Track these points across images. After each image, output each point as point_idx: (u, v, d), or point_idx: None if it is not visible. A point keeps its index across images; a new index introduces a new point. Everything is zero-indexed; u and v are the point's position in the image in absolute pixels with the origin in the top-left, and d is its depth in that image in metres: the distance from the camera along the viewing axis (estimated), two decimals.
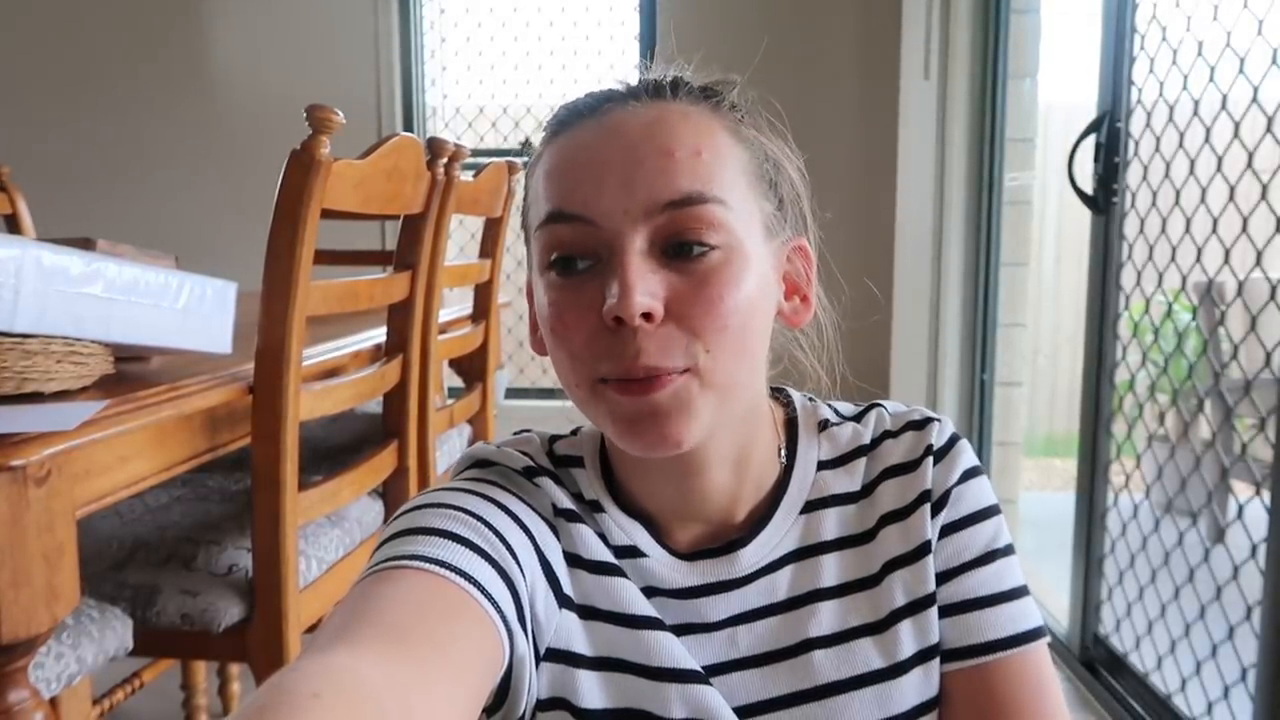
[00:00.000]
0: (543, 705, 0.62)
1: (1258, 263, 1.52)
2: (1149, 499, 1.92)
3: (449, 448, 1.90)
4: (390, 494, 1.56)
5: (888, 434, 0.67)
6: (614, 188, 0.56)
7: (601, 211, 0.57)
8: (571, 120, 0.61)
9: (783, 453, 0.67)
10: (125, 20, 3.33)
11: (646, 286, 0.55)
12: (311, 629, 1.29)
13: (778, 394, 0.71)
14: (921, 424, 0.67)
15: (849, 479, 0.67)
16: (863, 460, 0.67)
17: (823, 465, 0.67)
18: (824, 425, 0.69)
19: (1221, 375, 1.83)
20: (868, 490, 0.66)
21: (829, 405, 0.71)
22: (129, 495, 1.01)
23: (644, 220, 0.56)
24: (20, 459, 0.80)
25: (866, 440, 0.68)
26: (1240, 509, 1.62)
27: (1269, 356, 1.51)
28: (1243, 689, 1.53)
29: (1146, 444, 1.98)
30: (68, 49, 3.36)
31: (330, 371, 1.38)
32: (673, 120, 0.58)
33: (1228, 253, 1.61)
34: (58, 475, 0.85)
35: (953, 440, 0.66)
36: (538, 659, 0.61)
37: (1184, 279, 1.80)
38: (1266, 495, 1.39)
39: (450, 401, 1.96)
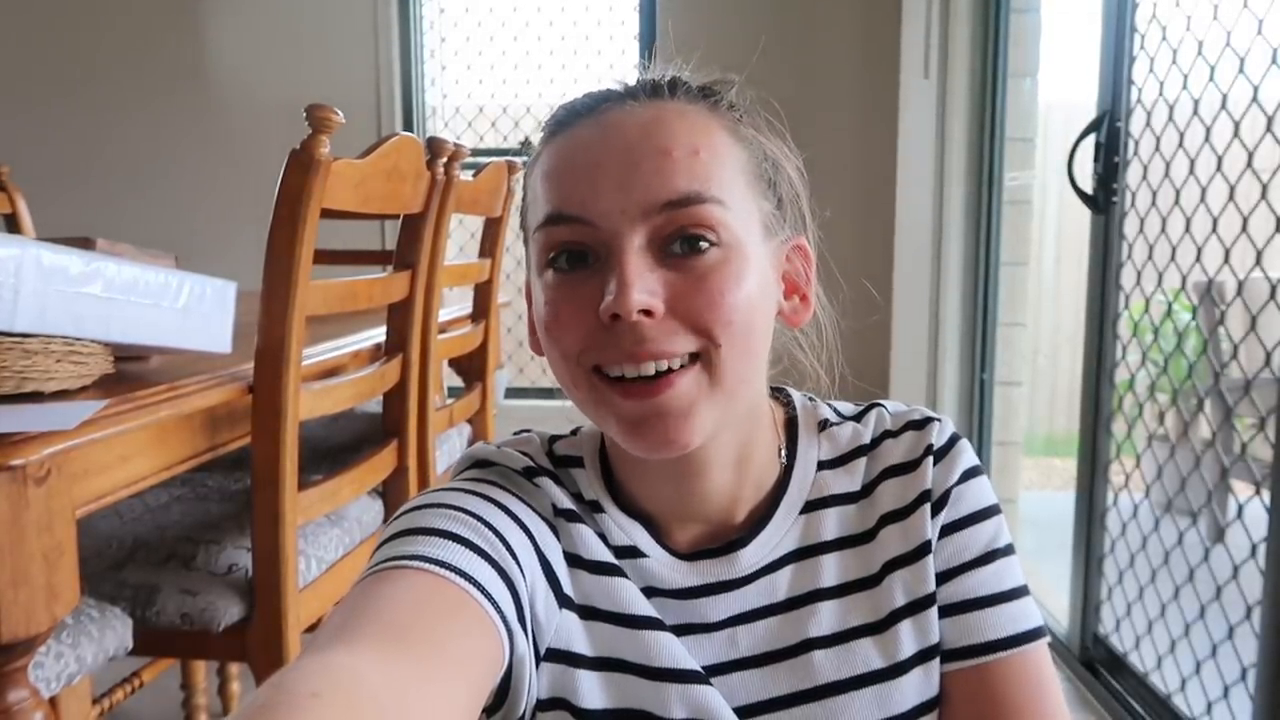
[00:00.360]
0: (543, 705, 0.62)
1: (1257, 262, 1.52)
2: (1149, 498, 1.92)
3: (449, 447, 1.90)
4: (390, 493, 1.56)
5: (888, 434, 0.67)
6: (612, 188, 0.56)
7: (599, 212, 0.57)
8: (569, 120, 0.61)
9: (783, 453, 0.67)
10: (125, 19, 3.33)
11: (645, 284, 0.55)
12: (311, 629, 1.29)
13: (777, 394, 0.71)
14: (921, 424, 0.67)
15: (849, 479, 0.66)
16: (863, 460, 0.67)
17: (823, 465, 0.67)
18: (824, 425, 0.69)
19: (1221, 375, 1.83)
20: (868, 490, 0.66)
21: (829, 405, 0.71)
22: (128, 495, 1.01)
23: (642, 220, 0.56)
24: (20, 458, 0.80)
25: (866, 440, 0.68)
26: (1240, 509, 1.62)
27: (1269, 356, 1.51)
28: (1242, 689, 1.53)
29: (1146, 443, 1.98)
30: (67, 48, 3.35)
31: (330, 371, 1.38)
32: (670, 120, 0.58)
33: (1227, 252, 1.61)
34: (57, 475, 0.85)
35: (953, 440, 0.66)
36: (538, 659, 0.61)
37: (1184, 278, 1.80)
38: (1266, 495, 1.39)
39: (450, 401, 1.96)
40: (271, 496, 1.17)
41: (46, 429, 0.83)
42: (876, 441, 0.67)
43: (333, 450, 1.68)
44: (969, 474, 0.65)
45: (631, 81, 0.62)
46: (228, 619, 1.18)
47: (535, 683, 0.61)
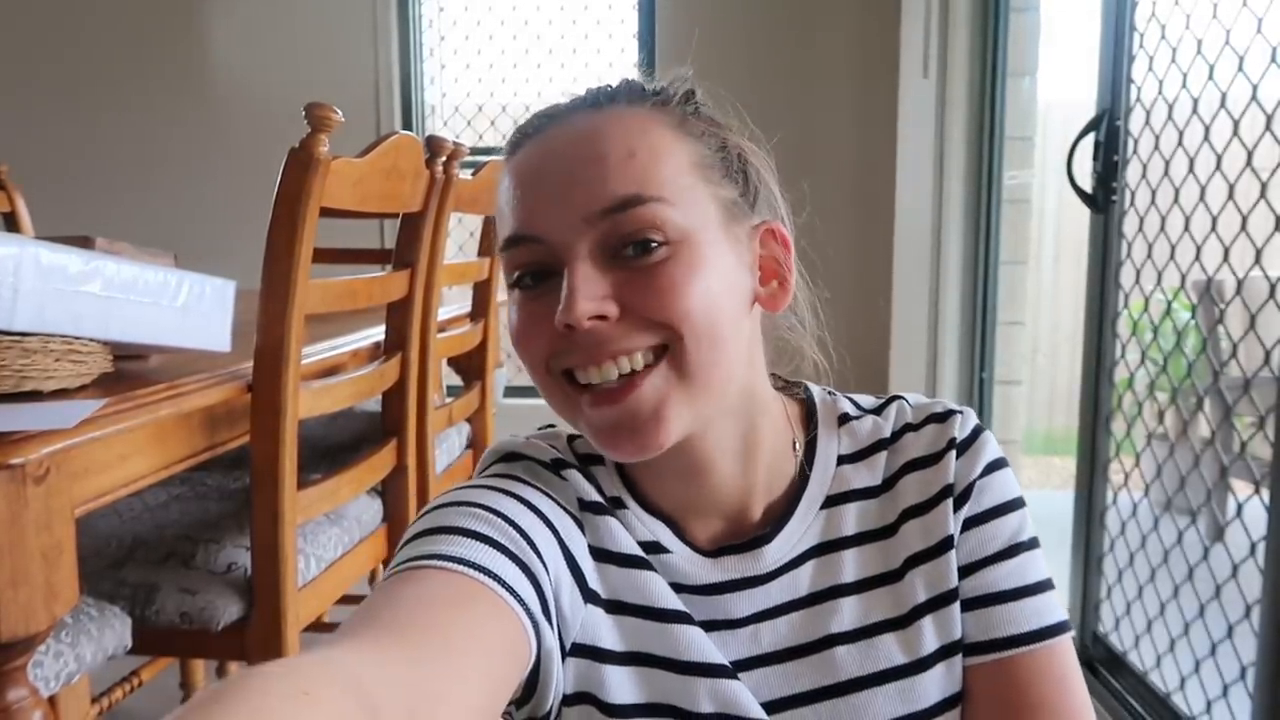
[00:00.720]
0: (568, 700, 0.62)
1: (1257, 261, 1.51)
2: (1148, 497, 1.92)
3: (448, 446, 1.90)
4: (389, 492, 1.56)
5: (909, 427, 0.67)
6: (555, 204, 0.58)
7: (548, 228, 0.58)
8: (521, 142, 0.62)
9: (798, 446, 0.67)
10: (124, 18, 3.32)
11: (591, 291, 0.56)
12: (310, 627, 1.29)
13: (794, 388, 0.71)
14: (944, 416, 0.66)
15: (869, 473, 0.66)
16: (883, 454, 0.67)
17: (843, 460, 0.67)
18: (844, 419, 0.69)
19: (1220, 373, 1.83)
20: (889, 484, 0.66)
21: (849, 398, 0.71)
22: (128, 494, 1.01)
23: (586, 229, 0.57)
24: (19, 457, 0.80)
25: (887, 434, 0.67)
26: (1239, 507, 1.62)
27: (1268, 355, 1.51)
28: (1241, 687, 1.53)
29: (1145, 442, 1.98)
30: (66, 47, 3.35)
31: (329, 370, 1.38)
32: (605, 126, 0.59)
33: (1227, 251, 1.61)
34: (56, 474, 0.85)
35: (976, 432, 0.66)
36: (563, 654, 0.61)
37: (1183, 277, 1.80)
38: (1265, 494, 1.39)
39: (449, 400, 1.96)
40: (271, 495, 1.17)
41: (45, 428, 0.83)
42: (897, 435, 0.67)
43: (332, 449, 1.68)
44: (992, 466, 0.65)
45: (581, 92, 0.63)
46: (227, 618, 1.18)
47: (562, 677, 0.61)
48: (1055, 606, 0.63)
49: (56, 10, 3.34)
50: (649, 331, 0.57)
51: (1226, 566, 1.57)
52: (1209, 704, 1.62)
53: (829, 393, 0.71)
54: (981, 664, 0.62)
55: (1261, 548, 1.39)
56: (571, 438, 0.70)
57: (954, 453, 0.64)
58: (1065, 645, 0.63)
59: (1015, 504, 0.65)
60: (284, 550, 1.18)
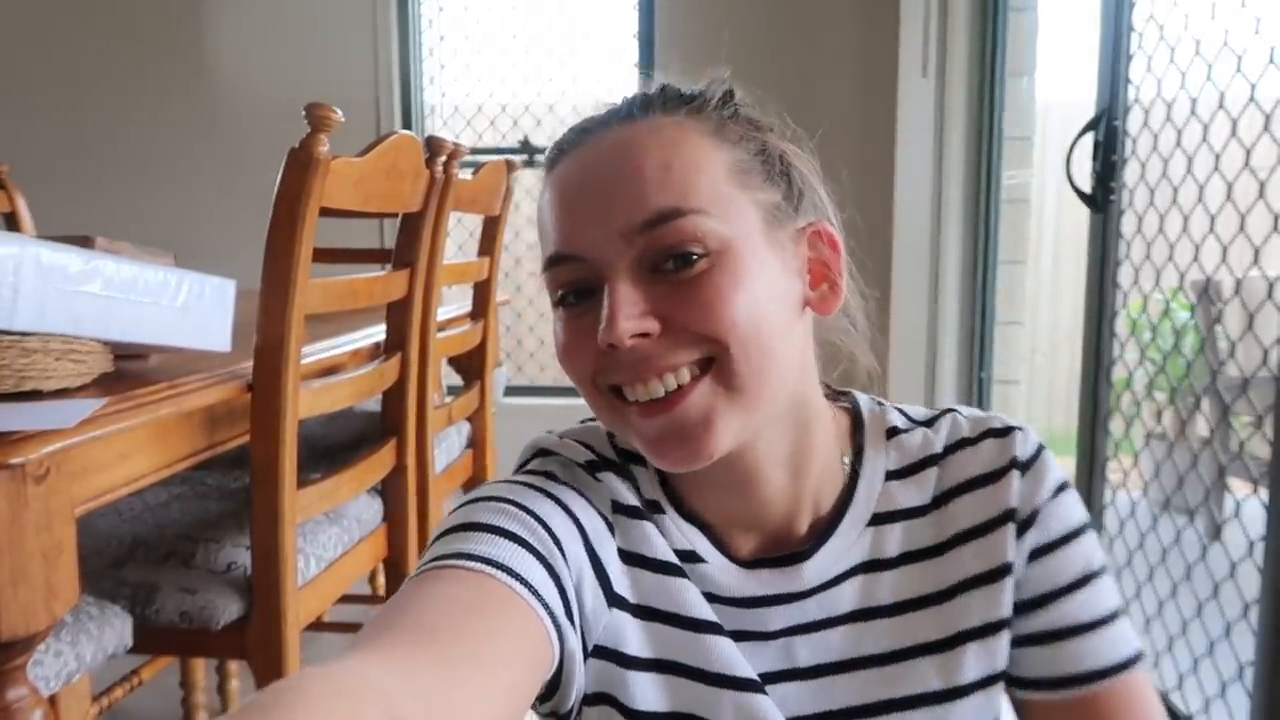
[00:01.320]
0: (588, 700, 0.62)
1: (1255, 261, 1.52)
2: (1146, 496, 1.92)
3: (448, 445, 1.91)
4: (389, 492, 1.56)
5: (965, 441, 0.64)
6: (594, 220, 0.57)
7: (587, 246, 0.57)
8: (559, 157, 0.62)
9: (846, 460, 0.65)
10: (125, 18, 3.33)
11: (631, 310, 0.55)
12: (310, 627, 1.29)
13: (841, 397, 0.69)
14: (1003, 432, 0.63)
15: (918, 491, 0.64)
16: (934, 470, 0.64)
17: (891, 475, 0.64)
18: (893, 432, 0.66)
19: (1219, 373, 1.83)
20: (939, 503, 0.63)
21: (898, 409, 0.68)
22: (128, 493, 1.01)
23: (625, 245, 0.56)
24: (19, 457, 0.80)
25: (938, 449, 0.64)
26: (1237, 506, 1.62)
27: (1266, 354, 1.51)
28: (1240, 686, 1.53)
29: (1144, 442, 1.98)
30: (67, 46, 3.35)
31: (329, 369, 1.39)
32: (641, 139, 0.58)
33: (1225, 251, 1.61)
34: (56, 473, 0.85)
35: (1039, 451, 0.63)
36: (585, 655, 0.61)
37: (1181, 277, 1.80)
38: (1264, 493, 1.39)
39: (449, 399, 1.96)
40: (270, 495, 1.17)
41: (46, 427, 0.83)
42: (950, 450, 0.64)
43: (331, 449, 1.68)
44: (1059, 489, 0.62)
45: (617, 101, 0.62)
46: (227, 617, 1.18)
47: (584, 678, 0.61)
48: (1130, 636, 0.61)
49: (57, 10, 3.34)
50: (694, 346, 0.56)
51: (1224, 565, 1.57)
52: (1207, 703, 1.62)
53: (878, 403, 0.68)
54: (1057, 702, 0.60)
55: (1259, 547, 1.39)
56: (612, 433, 0.68)
57: (1016, 472, 0.61)
58: (1143, 676, 0.60)
59: (1084, 529, 0.62)
60: (284, 550, 1.19)
